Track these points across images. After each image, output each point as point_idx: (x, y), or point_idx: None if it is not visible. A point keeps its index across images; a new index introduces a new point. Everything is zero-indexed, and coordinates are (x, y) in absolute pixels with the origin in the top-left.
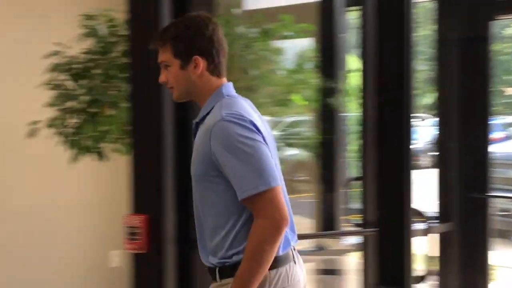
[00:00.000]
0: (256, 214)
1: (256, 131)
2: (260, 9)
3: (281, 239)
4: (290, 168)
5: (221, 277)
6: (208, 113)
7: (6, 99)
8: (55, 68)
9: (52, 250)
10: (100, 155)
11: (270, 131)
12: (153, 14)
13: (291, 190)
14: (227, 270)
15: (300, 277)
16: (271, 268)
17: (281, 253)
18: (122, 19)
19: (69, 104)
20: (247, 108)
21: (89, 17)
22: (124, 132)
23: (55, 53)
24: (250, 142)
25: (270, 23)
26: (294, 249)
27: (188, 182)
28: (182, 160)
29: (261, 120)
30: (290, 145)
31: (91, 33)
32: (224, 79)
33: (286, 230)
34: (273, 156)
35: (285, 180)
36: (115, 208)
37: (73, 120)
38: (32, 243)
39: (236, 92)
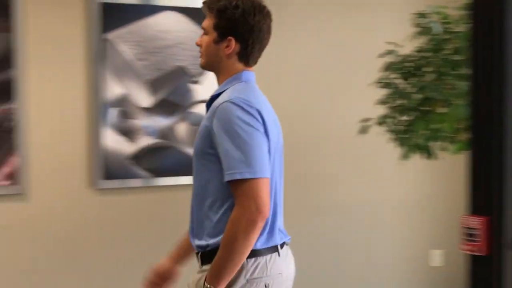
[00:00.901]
0: (236, 200)
1: (260, 120)
2: None
3: (256, 231)
4: None
5: (202, 263)
6: (222, 92)
7: (341, 96)
8: (389, 67)
9: (375, 245)
10: (429, 153)
11: (279, 129)
12: (497, 10)
13: None
14: (207, 256)
15: (283, 271)
16: (250, 257)
17: (259, 247)
18: (456, 16)
19: (400, 102)
20: (259, 97)
21: (421, 15)
22: (457, 130)
23: (389, 52)
24: (248, 129)
25: None
26: (284, 246)
27: None
28: None
29: (272, 116)
30: None
31: (425, 31)
32: (250, 69)
33: (276, 227)
34: (273, 152)
35: None
36: (438, 206)
37: (404, 118)
38: (358, 237)
39: None
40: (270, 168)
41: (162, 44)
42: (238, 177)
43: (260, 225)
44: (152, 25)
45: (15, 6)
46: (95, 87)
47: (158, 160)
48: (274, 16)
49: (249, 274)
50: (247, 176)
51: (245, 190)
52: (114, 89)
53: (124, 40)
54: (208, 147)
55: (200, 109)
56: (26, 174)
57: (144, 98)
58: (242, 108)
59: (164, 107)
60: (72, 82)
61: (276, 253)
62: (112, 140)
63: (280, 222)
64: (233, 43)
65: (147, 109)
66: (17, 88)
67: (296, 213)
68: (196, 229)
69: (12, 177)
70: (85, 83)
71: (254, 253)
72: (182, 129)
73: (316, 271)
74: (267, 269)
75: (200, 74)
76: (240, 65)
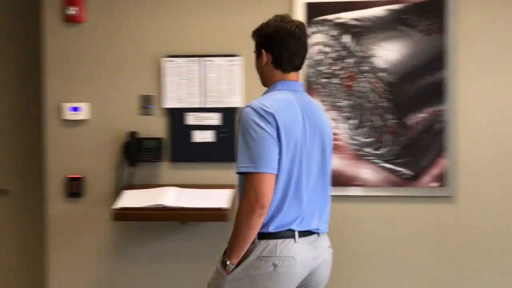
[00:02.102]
0: (244, 190)
1: (273, 124)
2: None
3: (255, 217)
4: None
5: None
6: None
7: None
8: None
9: None
10: None
11: (322, 132)
12: None
13: None
14: None
15: (297, 255)
16: (261, 238)
17: (271, 230)
18: None
19: None
20: (280, 102)
21: None
22: None
23: None
24: (258, 130)
25: None
26: (311, 234)
27: None
28: None
29: (300, 118)
30: None
31: None
32: (291, 75)
33: (294, 216)
34: (291, 152)
35: None
36: None
37: None
38: None
39: None
40: (277, 166)
41: None
42: (243, 170)
43: (259, 212)
44: None
45: (447, 7)
46: None
47: None
48: None
49: (258, 252)
50: (251, 170)
51: (249, 182)
52: None
53: None
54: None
55: None
56: (454, 176)
57: None
58: (256, 111)
59: None
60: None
61: (292, 238)
62: None
63: (308, 213)
64: (264, 54)
65: None
66: (448, 90)
67: None
68: None
69: (440, 179)
70: None
71: (266, 236)
72: None
73: None
74: (276, 251)
75: None
76: (278, 73)
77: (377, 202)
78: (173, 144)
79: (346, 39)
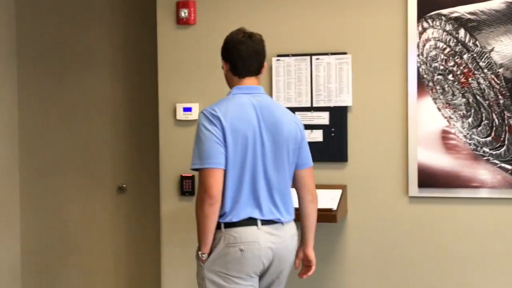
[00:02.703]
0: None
1: (219, 127)
2: None
3: (205, 206)
4: None
5: None
6: None
7: None
8: None
9: None
10: None
11: (278, 130)
12: None
13: None
14: None
15: (261, 240)
16: (227, 227)
17: (234, 220)
18: None
19: None
20: (231, 106)
21: None
22: None
23: None
24: (205, 131)
25: None
26: (274, 223)
27: None
28: None
29: (252, 118)
30: None
31: None
32: (247, 80)
33: (251, 207)
34: (241, 150)
35: None
36: None
37: None
38: None
39: None
40: (224, 161)
41: None
42: (192, 167)
43: (209, 201)
44: None
45: None
46: None
47: None
48: None
49: (226, 240)
50: (197, 166)
51: (199, 177)
52: None
53: None
54: None
55: None
56: None
57: None
58: (205, 115)
59: None
60: None
61: (255, 226)
62: None
63: (266, 202)
64: (224, 63)
65: None
66: None
67: None
68: None
69: None
70: None
71: (231, 225)
72: None
73: None
74: (241, 237)
75: None
76: (236, 79)
77: (495, 204)
78: None
79: (461, 34)
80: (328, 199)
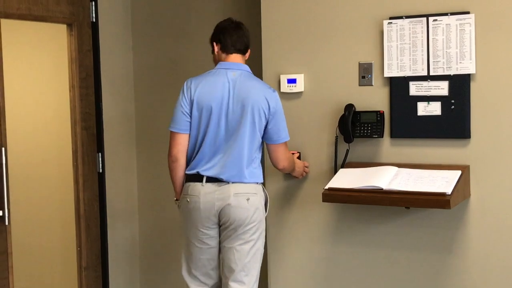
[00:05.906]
0: None
1: (187, 96)
2: None
3: (169, 164)
4: None
5: None
6: None
7: None
8: None
9: None
10: None
11: (244, 100)
12: None
13: None
14: None
15: (200, 194)
16: (186, 181)
17: (187, 172)
18: None
19: None
20: (204, 80)
21: None
22: None
23: None
24: (179, 100)
25: None
26: (218, 181)
27: None
28: None
29: (222, 90)
30: None
31: None
32: (232, 56)
33: (201, 165)
34: (206, 116)
35: None
36: None
37: None
38: None
39: None
40: (186, 127)
41: None
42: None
43: (170, 159)
44: None
45: None
46: None
47: None
48: None
49: (184, 191)
50: (169, 128)
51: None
52: None
53: None
54: None
55: None
56: None
57: None
58: (183, 87)
59: None
60: None
61: (200, 182)
62: None
63: (219, 164)
64: (214, 45)
65: None
66: None
67: None
68: None
69: None
70: None
71: (187, 179)
72: None
73: None
74: (189, 190)
75: None
76: (223, 56)
77: None
78: (394, 118)
79: None
80: (443, 182)
